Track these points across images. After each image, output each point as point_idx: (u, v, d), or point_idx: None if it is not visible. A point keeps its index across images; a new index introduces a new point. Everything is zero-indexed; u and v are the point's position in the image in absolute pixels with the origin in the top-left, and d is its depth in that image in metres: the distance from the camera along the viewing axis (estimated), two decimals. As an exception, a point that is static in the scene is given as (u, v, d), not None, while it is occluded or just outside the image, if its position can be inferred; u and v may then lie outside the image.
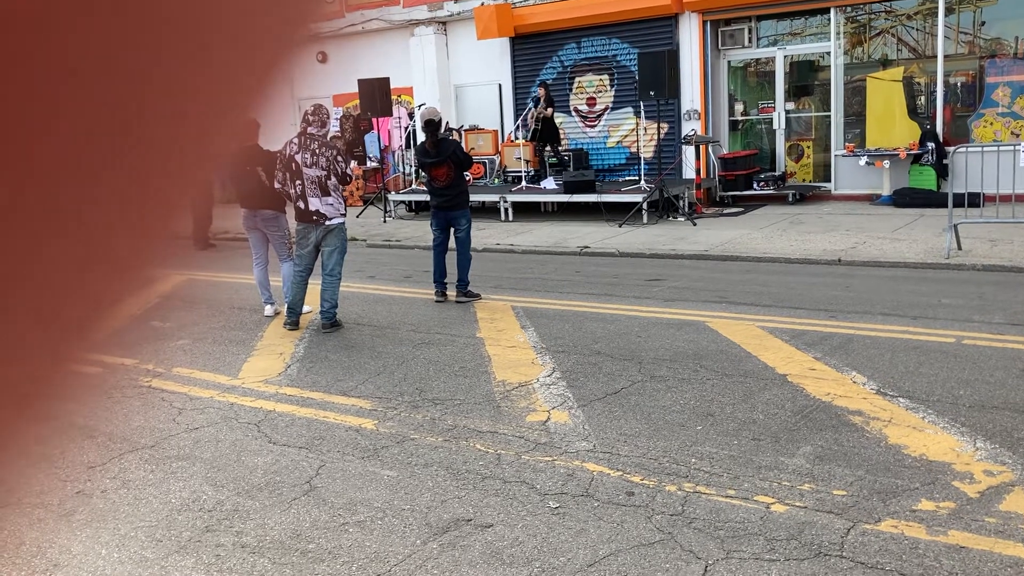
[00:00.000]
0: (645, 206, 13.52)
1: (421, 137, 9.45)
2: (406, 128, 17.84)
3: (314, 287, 8.19)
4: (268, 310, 8.74)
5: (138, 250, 0.38)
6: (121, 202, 0.37)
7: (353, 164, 18.76)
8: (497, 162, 16.86)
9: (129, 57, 0.34)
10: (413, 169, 17.76)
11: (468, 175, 9.15)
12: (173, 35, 0.35)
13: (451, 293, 8.94)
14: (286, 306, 8.22)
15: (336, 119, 19.92)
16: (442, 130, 8.96)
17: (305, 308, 8.30)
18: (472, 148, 16.60)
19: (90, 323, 0.38)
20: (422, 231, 14.13)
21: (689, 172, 15.10)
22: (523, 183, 15.38)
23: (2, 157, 0.32)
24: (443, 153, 8.65)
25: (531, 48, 17.29)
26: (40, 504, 4.56)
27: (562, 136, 16.63)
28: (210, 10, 0.36)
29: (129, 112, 0.35)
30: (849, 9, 14.61)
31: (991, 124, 13.55)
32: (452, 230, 8.93)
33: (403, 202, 16.84)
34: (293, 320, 8.10)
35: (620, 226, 13.27)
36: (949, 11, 13.77)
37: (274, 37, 0.39)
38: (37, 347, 0.36)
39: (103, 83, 0.34)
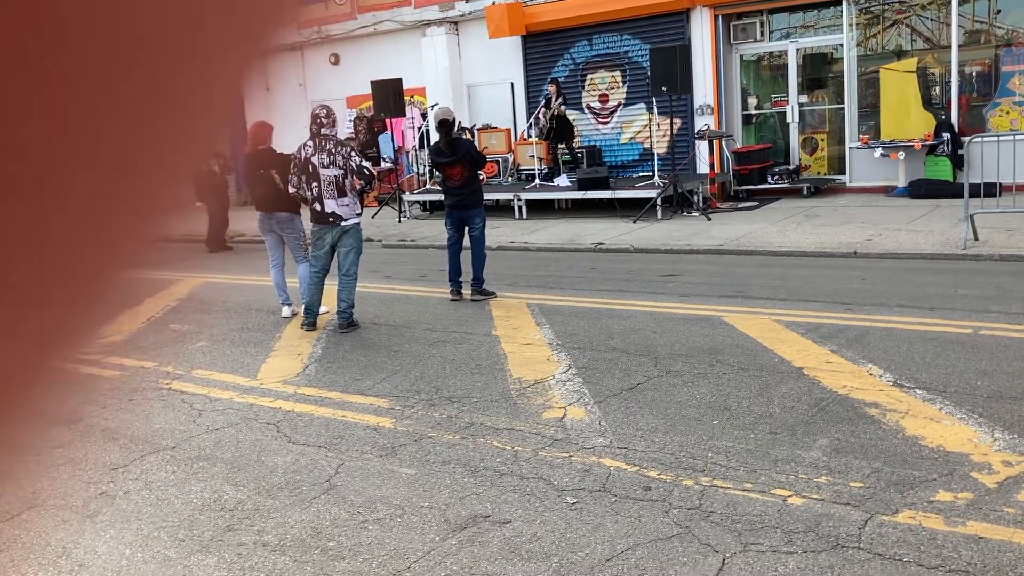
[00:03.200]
0: (659, 202, 13.51)
1: (435, 137, 9.49)
2: (419, 128, 17.89)
3: (331, 288, 8.24)
4: (285, 311, 8.80)
5: (119, 250, 0.38)
6: (97, 203, 0.36)
7: (367, 165, 18.82)
8: (510, 160, 16.88)
9: (92, 66, 0.34)
10: (427, 169, 17.80)
11: (482, 174, 9.17)
12: (148, 38, 0.35)
13: (466, 292, 8.98)
14: (303, 307, 8.28)
15: (350, 120, 20.00)
16: (455, 130, 8.99)
17: (322, 309, 8.35)
18: (485, 147, 16.63)
19: (74, 318, 0.38)
20: (437, 230, 14.17)
21: (703, 167, 15.08)
22: (536, 181, 15.40)
23: None
24: (457, 152, 8.69)
25: (543, 46, 17.30)
26: (65, 505, 4.62)
27: (576, 133, 16.63)
28: (184, 10, 0.36)
29: (108, 109, 0.35)
30: (862, 0, 14.53)
31: (1007, 113, 13.45)
32: (467, 229, 8.97)
33: (417, 202, 16.90)
34: (310, 321, 8.16)
35: (634, 222, 13.27)
36: (963, 0, 13.68)
37: (248, 37, 0.39)
38: (17, 344, 0.36)
39: (78, 84, 0.33)
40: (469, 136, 15.68)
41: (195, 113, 0.38)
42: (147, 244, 0.39)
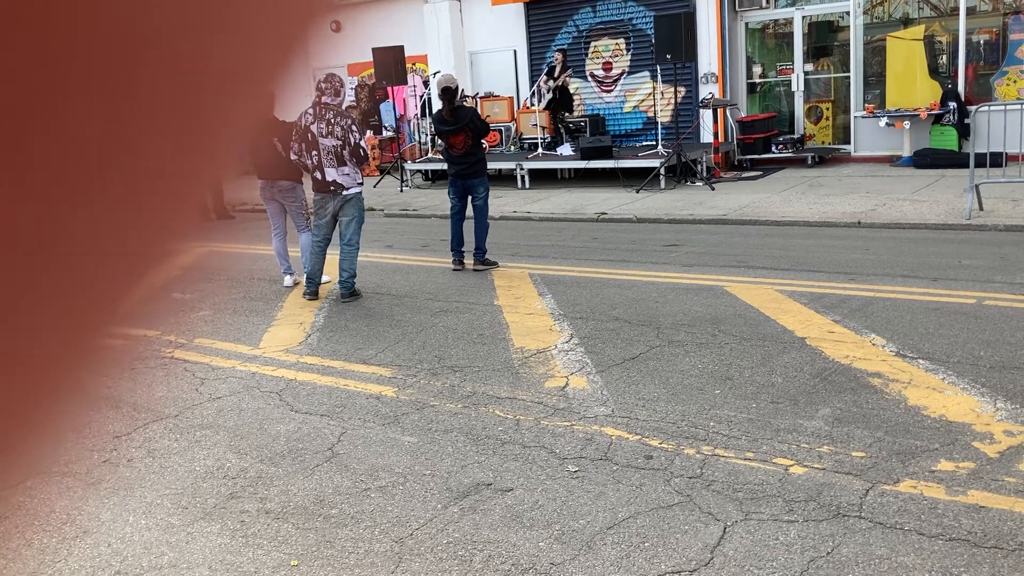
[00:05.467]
0: (663, 171, 13.44)
1: (437, 105, 9.41)
2: (421, 96, 17.77)
3: (332, 257, 8.23)
4: (287, 280, 8.79)
5: (163, 223, 0.39)
6: (144, 176, 0.37)
7: (369, 134, 18.73)
8: (513, 129, 16.78)
9: (143, 33, 0.34)
10: (429, 138, 17.70)
11: (484, 143, 9.10)
12: (190, 11, 0.35)
13: (468, 261, 8.95)
14: (305, 276, 8.26)
15: (352, 88, 19.87)
16: (458, 98, 8.92)
17: (324, 278, 8.34)
18: (488, 115, 16.52)
19: (118, 296, 0.39)
20: (439, 200, 14.13)
21: (707, 136, 14.98)
22: (539, 150, 15.32)
23: (21, 138, 0.33)
24: (460, 121, 8.62)
25: (546, 13, 17.13)
26: (68, 473, 4.64)
27: (578, 102, 16.51)
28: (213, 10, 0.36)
29: (147, 89, 0.35)
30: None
31: (1014, 82, 13.33)
32: (470, 198, 8.92)
33: (419, 171, 16.82)
34: (312, 290, 8.15)
35: (637, 192, 13.21)
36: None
37: (290, 11, 0.39)
38: (66, 321, 0.37)
39: (122, 59, 0.34)
40: (472, 104, 15.58)
41: (249, 71, 0.39)
42: (189, 222, 0.40)
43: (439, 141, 17.34)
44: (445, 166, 9.28)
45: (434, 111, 9.00)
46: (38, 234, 0.34)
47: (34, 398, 0.37)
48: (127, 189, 0.37)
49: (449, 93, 8.57)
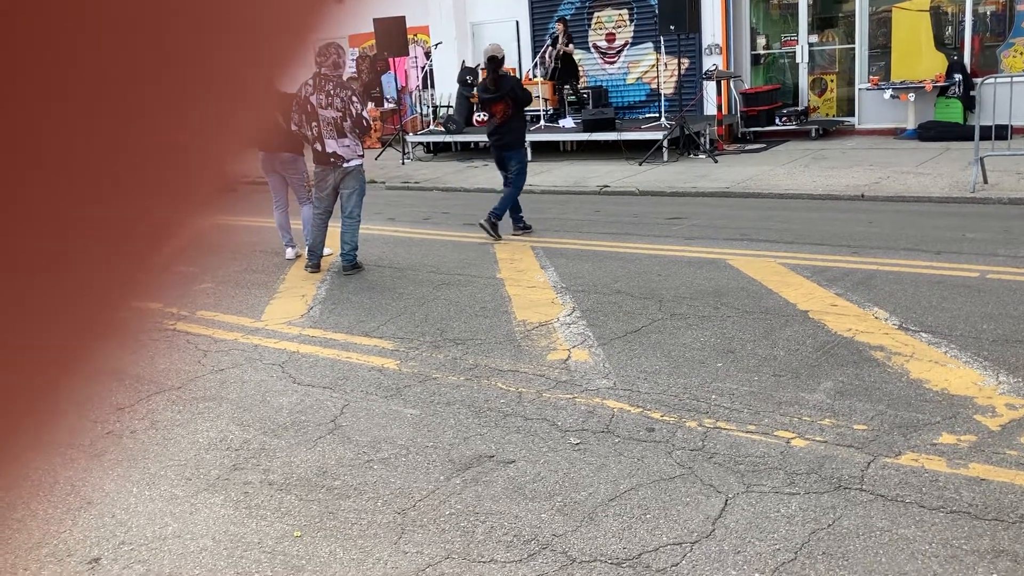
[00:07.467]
0: (666, 143, 13.37)
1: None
2: (423, 68, 17.65)
3: (334, 230, 8.21)
4: (289, 253, 8.78)
5: (181, 201, 0.39)
6: (163, 155, 0.37)
7: (370, 106, 18.63)
8: (515, 101, 16.65)
9: (153, 14, 0.34)
10: (430, 109, 17.62)
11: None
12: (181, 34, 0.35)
13: (480, 237, 8.94)
14: (307, 249, 8.25)
15: (353, 60, 19.73)
16: (502, 68, 9.09)
17: (326, 251, 8.33)
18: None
19: (135, 273, 0.39)
20: (440, 172, 14.08)
21: (710, 108, 14.89)
22: (542, 122, 15.23)
23: (39, 120, 0.32)
24: (502, 89, 8.75)
25: (548, -17, 16.96)
26: (72, 444, 4.66)
27: (581, 73, 16.39)
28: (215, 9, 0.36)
29: (161, 67, 0.35)
30: (875, -64, 14.19)
31: (1021, 54, 13.22)
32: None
33: (421, 143, 16.74)
34: (314, 263, 8.14)
35: (640, 164, 13.15)
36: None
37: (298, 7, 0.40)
38: (85, 299, 0.37)
39: (135, 38, 0.34)
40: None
41: (259, 55, 0.39)
42: (206, 195, 0.41)
43: (441, 113, 17.23)
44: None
45: (479, 80, 9.26)
46: (56, 211, 0.34)
47: (53, 375, 0.37)
48: (143, 169, 0.36)
49: (495, 62, 8.79)
